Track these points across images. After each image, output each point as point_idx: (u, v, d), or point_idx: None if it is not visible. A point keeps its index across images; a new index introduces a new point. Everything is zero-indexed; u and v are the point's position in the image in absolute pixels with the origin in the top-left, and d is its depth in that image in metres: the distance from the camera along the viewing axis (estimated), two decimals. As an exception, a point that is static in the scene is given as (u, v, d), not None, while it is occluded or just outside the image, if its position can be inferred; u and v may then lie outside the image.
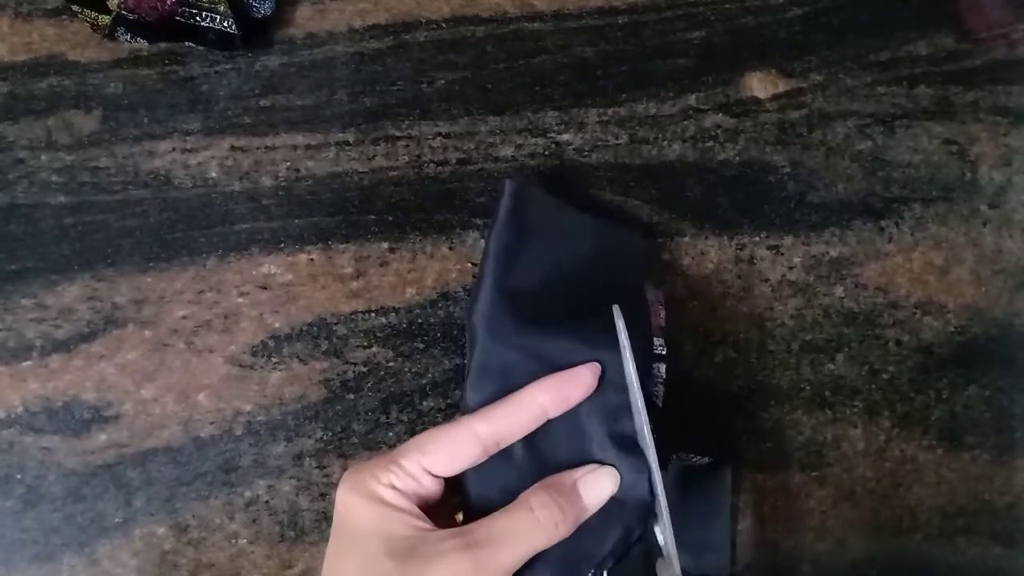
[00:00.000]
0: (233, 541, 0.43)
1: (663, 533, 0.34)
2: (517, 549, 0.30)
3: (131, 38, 0.43)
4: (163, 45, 0.44)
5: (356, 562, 0.30)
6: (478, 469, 0.33)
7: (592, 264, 0.39)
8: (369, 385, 0.44)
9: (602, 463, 0.34)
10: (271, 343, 0.44)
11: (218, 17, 0.43)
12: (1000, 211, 0.48)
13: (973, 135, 0.49)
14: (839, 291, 0.47)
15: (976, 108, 0.49)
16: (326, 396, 0.44)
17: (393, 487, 0.31)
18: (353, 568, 0.30)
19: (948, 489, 0.47)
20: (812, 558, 0.46)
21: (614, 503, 0.34)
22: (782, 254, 0.47)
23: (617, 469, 0.34)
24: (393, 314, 0.44)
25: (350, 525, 0.31)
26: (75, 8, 0.43)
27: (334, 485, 0.43)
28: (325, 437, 0.43)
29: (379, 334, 0.44)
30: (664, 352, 0.39)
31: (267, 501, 0.43)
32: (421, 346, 0.44)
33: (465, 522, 0.33)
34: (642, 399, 0.34)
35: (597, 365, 0.34)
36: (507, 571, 0.30)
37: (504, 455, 0.34)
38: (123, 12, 0.42)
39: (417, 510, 0.31)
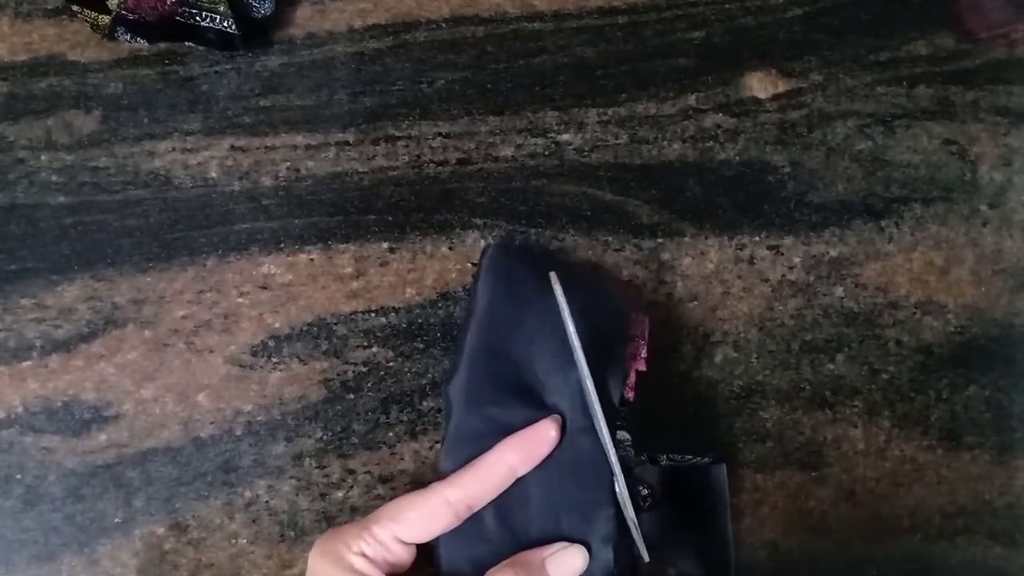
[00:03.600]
0: (233, 541, 0.43)
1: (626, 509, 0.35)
2: None
3: (131, 38, 0.43)
4: (163, 45, 0.44)
5: None
6: (450, 540, 0.34)
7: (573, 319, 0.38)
8: (369, 385, 0.44)
9: (571, 537, 0.35)
10: (271, 343, 0.44)
11: (218, 17, 0.43)
12: (1000, 211, 0.48)
13: (973, 135, 0.49)
14: (839, 291, 0.47)
15: (976, 108, 0.49)
16: (326, 396, 0.44)
17: (363, 555, 0.32)
18: None
19: (948, 489, 0.47)
20: (812, 558, 0.46)
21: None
22: (782, 254, 0.47)
23: (585, 541, 0.35)
24: (393, 314, 0.44)
25: None
26: (75, 8, 0.43)
27: (334, 485, 0.43)
28: (325, 437, 0.43)
29: (379, 334, 0.44)
30: (627, 425, 0.39)
31: (267, 501, 0.43)
32: (421, 346, 0.44)
33: None
34: (586, 367, 0.35)
35: (558, 417, 0.35)
36: None
37: (476, 526, 0.34)
38: (123, 12, 0.42)
39: None
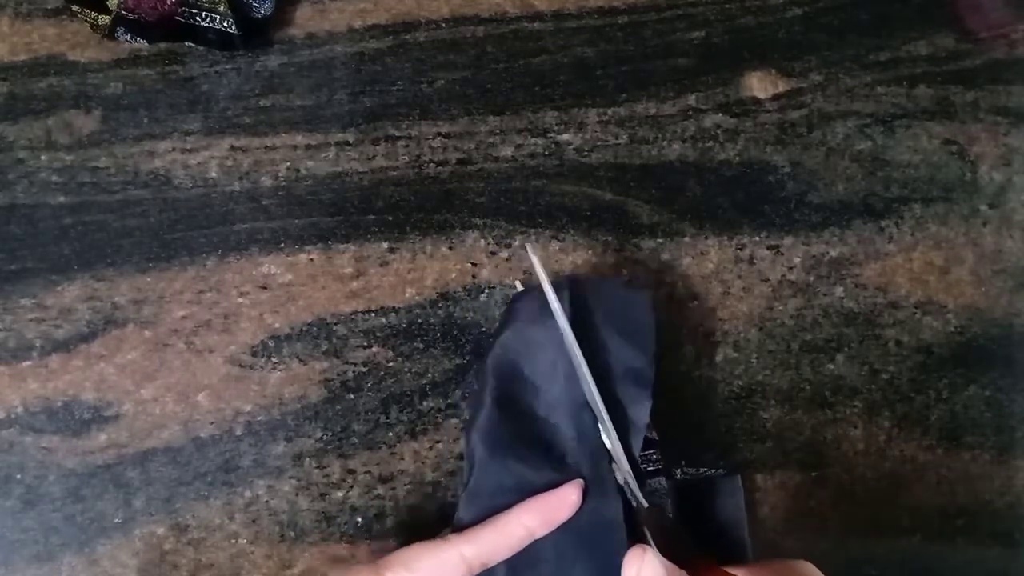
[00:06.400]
0: (233, 541, 0.43)
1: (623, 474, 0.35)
2: None
3: (131, 38, 0.43)
4: (163, 45, 0.44)
5: None
6: None
7: (594, 366, 0.37)
8: (369, 385, 0.44)
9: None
10: (271, 343, 0.44)
11: (218, 17, 0.43)
12: (1000, 211, 0.48)
13: (973, 135, 0.49)
14: (839, 291, 0.47)
15: (976, 108, 0.49)
16: (326, 396, 0.44)
17: None
18: None
19: (948, 489, 0.47)
20: (812, 558, 0.46)
21: None
22: (782, 254, 0.47)
23: None
24: (393, 314, 0.44)
25: None
26: (75, 8, 0.43)
27: (334, 485, 0.43)
28: (325, 437, 0.43)
29: (379, 334, 0.44)
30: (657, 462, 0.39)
31: (267, 501, 0.43)
32: (421, 346, 0.44)
33: None
34: (587, 371, 0.35)
35: (581, 482, 0.35)
36: None
37: None
38: (123, 12, 0.42)
39: None
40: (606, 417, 0.36)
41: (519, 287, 0.40)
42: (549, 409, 0.37)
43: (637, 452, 0.37)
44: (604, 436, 0.36)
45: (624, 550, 0.34)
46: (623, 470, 0.35)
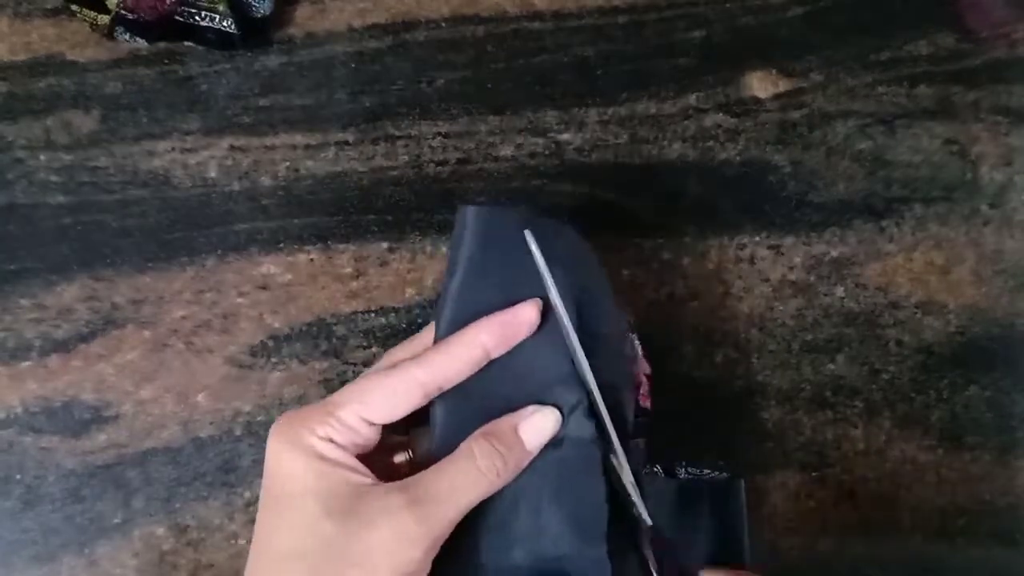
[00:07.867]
0: (232, 542, 0.43)
1: (639, 504, 0.34)
2: (460, 501, 0.29)
3: (130, 38, 0.43)
4: (162, 45, 0.44)
5: (291, 524, 0.28)
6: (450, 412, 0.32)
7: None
8: (369, 385, 0.44)
9: (544, 403, 0.32)
10: (270, 343, 0.43)
11: (217, 16, 0.43)
12: (1001, 211, 0.48)
13: (974, 135, 0.49)
14: (840, 291, 0.47)
15: (977, 108, 0.49)
16: (326, 396, 0.43)
17: (331, 440, 0.29)
18: (287, 532, 0.29)
19: (949, 489, 0.47)
20: (812, 558, 0.46)
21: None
22: (783, 254, 0.47)
23: (560, 410, 0.32)
24: (393, 314, 0.44)
25: (284, 483, 0.29)
26: (74, 8, 0.42)
27: (334, 485, 0.43)
28: (325, 437, 0.43)
29: (379, 334, 0.44)
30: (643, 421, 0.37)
31: (267, 501, 0.43)
32: (421, 346, 0.44)
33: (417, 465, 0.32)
34: (574, 335, 0.32)
35: (539, 300, 0.32)
36: (451, 524, 0.29)
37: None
38: (122, 12, 0.42)
39: (356, 463, 0.29)
40: (591, 380, 0.33)
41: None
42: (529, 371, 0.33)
43: (630, 416, 0.35)
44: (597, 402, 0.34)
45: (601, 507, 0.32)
46: (627, 480, 0.34)
